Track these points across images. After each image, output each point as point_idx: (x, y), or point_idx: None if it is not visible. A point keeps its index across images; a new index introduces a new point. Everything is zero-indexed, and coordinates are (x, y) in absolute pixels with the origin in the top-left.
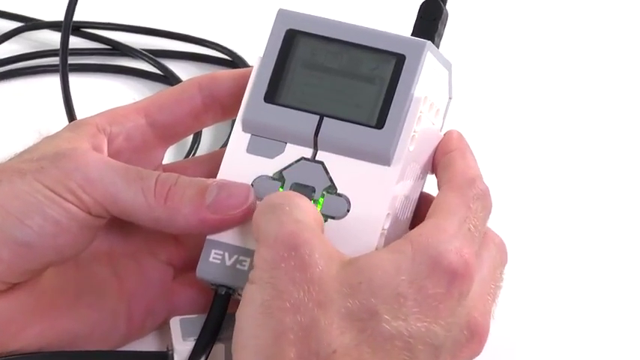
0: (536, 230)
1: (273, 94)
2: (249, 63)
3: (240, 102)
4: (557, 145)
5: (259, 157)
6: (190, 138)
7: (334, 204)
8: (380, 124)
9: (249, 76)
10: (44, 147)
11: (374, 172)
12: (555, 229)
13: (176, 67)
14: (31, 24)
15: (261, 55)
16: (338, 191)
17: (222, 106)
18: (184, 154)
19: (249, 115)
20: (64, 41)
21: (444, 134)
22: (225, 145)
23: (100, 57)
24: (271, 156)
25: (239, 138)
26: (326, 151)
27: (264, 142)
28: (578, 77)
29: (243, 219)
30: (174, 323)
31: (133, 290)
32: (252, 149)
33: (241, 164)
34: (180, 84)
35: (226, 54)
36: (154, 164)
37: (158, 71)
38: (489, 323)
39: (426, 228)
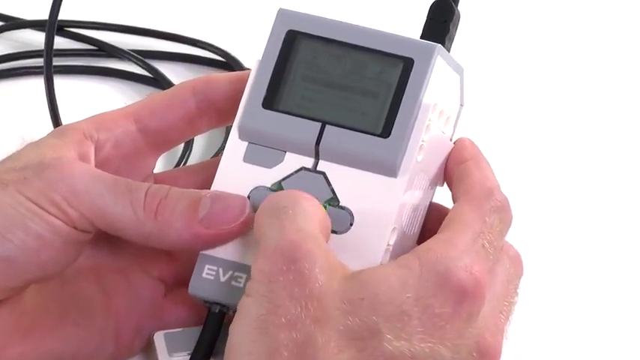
0: (548, 237)
1: (272, 100)
2: (244, 64)
3: (237, 107)
4: (567, 151)
5: (257, 167)
6: (182, 145)
7: (336, 217)
8: (386, 133)
9: (246, 80)
10: (28, 155)
11: (379, 184)
12: (565, 236)
13: (166, 69)
14: (12, 23)
15: (260, 58)
16: (340, 204)
17: (218, 112)
18: (175, 163)
19: (246, 121)
20: (49, 42)
21: (455, 143)
22: (218, 153)
23: (85, 58)
24: (269, 165)
25: (235, 146)
26: (328, 160)
27: (262, 150)
28: (586, 82)
29: (239, 233)
30: (159, 338)
31: (121, 307)
32: (249, 158)
33: (237, 174)
34: (173, 87)
35: (220, 55)
36: (145, 173)
37: (147, 73)
38: (501, 344)
39: (436, 242)
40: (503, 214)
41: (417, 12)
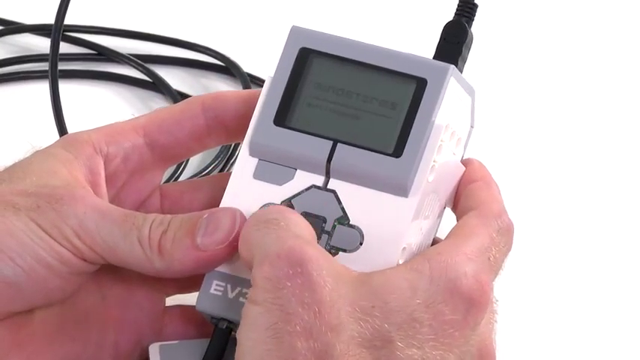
0: (549, 241)
1: (283, 117)
2: (244, 69)
3: (247, 125)
4: (570, 161)
5: (267, 184)
6: None
7: (346, 236)
8: (398, 153)
9: (257, 98)
10: (38, 170)
11: (390, 203)
12: (568, 242)
13: (165, 74)
14: (12, 27)
15: (271, 75)
16: (350, 222)
17: (227, 129)
18: (174, 166)
19: (257, 138)
20: (55, 47)
21: (464, 163)
22: (218, 156)
23: (84, 62)
24: (279, 183)
25: (245, 162)
26: (338, 179)
27: (273, 167)
28: (588, 95)
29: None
30: (154, 350)
31: (121, 319)
32: (259, 175)
33: (247, 190)
34: (182, 102)
35: (219, 59)
36: (152, 186)
37: (146, 77)
38: (495, 350)
39: (446, 247)
40: (507, 237)
41: (429, 32)
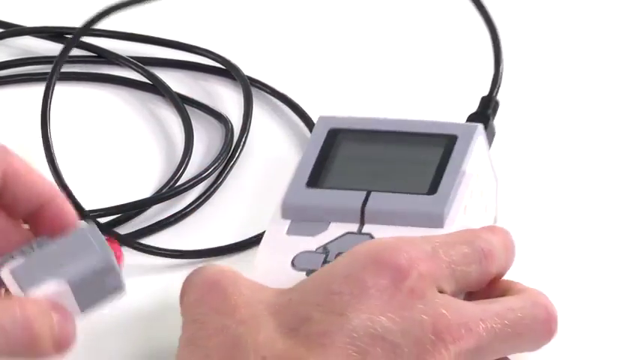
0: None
1: (316, 180)
2: (244, 71)
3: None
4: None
5: (300, 237)
6: (181, 152)
7: None
8: (432, 192)
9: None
10: None
11: (427, 234)
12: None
13: (166, 76)
14: (12, 30)
15: (300, 158)
16: None
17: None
18: (175, 168)
19: (290, 199)
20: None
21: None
22: (218, 158)
23: (83, 65)
24: (313, 234)
25: (278, 224)
26: (373, 223)
27: (306, 224)
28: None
29: None
30: (6, 275)
31: None
32: (292, 231)
33: (281, 244)
34: None
35: (219, 62)
36: None
37: (146, 80)
38: (462, 325)
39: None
40: (478, 254)
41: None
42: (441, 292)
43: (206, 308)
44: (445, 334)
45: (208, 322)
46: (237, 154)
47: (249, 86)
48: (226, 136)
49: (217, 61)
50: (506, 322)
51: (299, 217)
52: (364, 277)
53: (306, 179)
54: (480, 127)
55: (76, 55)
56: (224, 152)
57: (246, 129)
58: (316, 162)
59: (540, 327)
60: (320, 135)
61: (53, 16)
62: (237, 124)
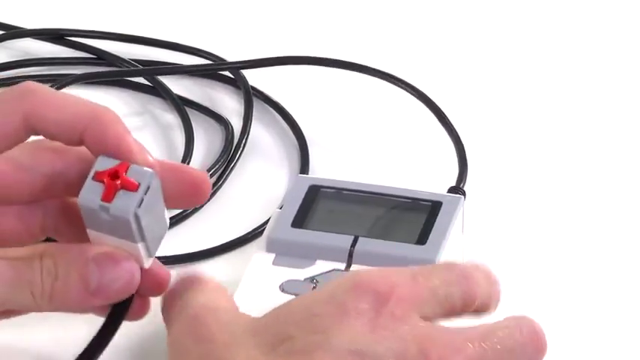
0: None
1: (301, 223)
2: (244, 74)
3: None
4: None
5: (287, 268)
6: (182, 149)
7: None
8: (422, 242)
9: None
10: None
11: None
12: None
13: (167, 78)
14: (12, 32)
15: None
16: None
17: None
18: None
19: (275, 234)
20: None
21: None
22: (219, 159)
23: (85, 67)
24: (301, 267)
25: (263, 257)
26: (361, 264)
27: (292, 258)
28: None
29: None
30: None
31: None
32: (278, 262)
33: (267, 274)
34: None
35: (219, 64)
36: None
37: (147, 82)
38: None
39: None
40: (464, 280)
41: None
42: (425, 318)
43: (187, 339)
44: (432, 353)
45: (192, 351)
46: (238, 156)
47: (250, 89)
48: (226, 138)
49: (217, 63)
50: (495, 339)
51: (285, 252)
52: (345, 301)
53: (290, 220)
54: (462, 198)
55: (77, 57)
56: (224, 154)
57: (247, 131)
58: (299, 209)
59: (529, 341)
60: (299, 191)
61: (53, 18)
62: (237, 126)
